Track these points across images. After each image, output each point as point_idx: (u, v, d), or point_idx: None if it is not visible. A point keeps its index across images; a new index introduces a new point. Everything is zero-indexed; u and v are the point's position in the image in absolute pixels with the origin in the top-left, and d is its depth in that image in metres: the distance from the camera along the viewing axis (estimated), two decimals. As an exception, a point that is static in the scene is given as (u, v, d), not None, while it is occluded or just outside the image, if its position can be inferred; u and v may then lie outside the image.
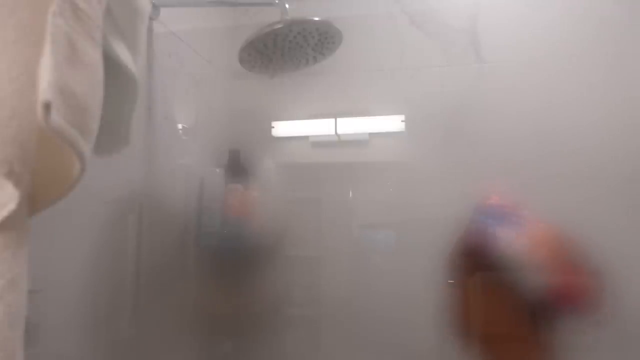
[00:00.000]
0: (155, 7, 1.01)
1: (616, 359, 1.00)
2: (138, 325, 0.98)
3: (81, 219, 0.80)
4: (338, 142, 1.41)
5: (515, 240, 0.68)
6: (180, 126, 1.17)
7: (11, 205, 0.36)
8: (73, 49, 0.38)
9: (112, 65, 0.48)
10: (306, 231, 1.39)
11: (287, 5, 0.92)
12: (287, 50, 0.97)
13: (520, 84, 1.21)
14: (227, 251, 1.19)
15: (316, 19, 0.90)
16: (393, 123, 1.36)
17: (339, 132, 1.39)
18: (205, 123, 1.29)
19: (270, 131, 1.44)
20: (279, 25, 0.89)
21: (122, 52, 0.50)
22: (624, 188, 1.13)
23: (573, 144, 1.15)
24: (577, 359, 0.79)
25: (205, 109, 1.30)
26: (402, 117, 1.35)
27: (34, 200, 0.39)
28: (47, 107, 0.35)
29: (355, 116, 1.39)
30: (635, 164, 1.13)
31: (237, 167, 1.29)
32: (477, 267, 0.71)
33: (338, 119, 1.39)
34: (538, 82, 1.20)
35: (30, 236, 0.39)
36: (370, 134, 1.38)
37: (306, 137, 1.44)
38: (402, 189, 1.32)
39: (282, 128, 1.45)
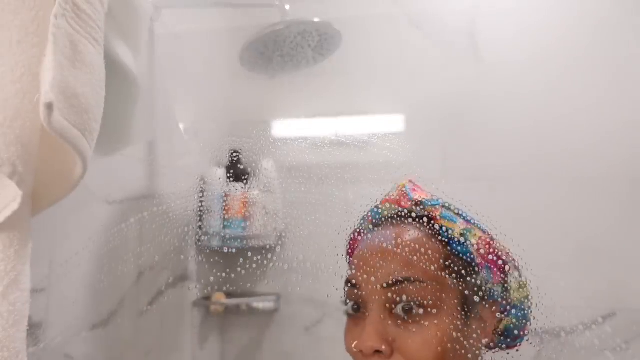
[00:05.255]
0: (157, 9, 1.02)
1: (616, 359, 1.00)
2: (139, 325, 0.99)
3: (82, 218, 0.80)
4: (338, 142, 1.41)
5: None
6: (180, 126, 1.18)
7: (14, 205, 0.37)
8: (75, 49, 0.39)
9: (113, 66, 0.48)
10: (306, 231, 1.39)
11: (287, 7, 0.93)
12: (287, 51, 0.97)
13: (520, 84, 1.21)
14: (227, 251, 1.19)
15: (316, 19, 0.90)
16: (393, 123, 1.36)
17: (339, 132, 1.39)
18: (205, 123, 1.29)
19: (270, 131, 1.44)
20: (279, 27, 0.90)
21: (124, 53, 0.50)
22: (625, 188, 1.14)
23: (573, 144, 1.16)
24: (577, 359, 0.79)
25: (205, 109, 1.30)
26: (402, 117, 1.35)
27: (37, 200, 0.40)
28: (49, 107, 0.35)
29: (355, 116, 1.39)
30: (636, 163, 1.13)
31: (237, 167, 1.29)
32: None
33: (338, 119, 1.39)
34: (537, 82, 1.20)
35: (32, 235, 0.39)
36: (370, 134, 1.38)
37: (306, 137, 1.43)
38: (402, 189, 1.31)
39: (282, 128, 1.45)
